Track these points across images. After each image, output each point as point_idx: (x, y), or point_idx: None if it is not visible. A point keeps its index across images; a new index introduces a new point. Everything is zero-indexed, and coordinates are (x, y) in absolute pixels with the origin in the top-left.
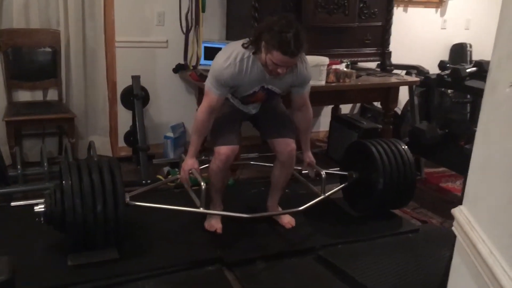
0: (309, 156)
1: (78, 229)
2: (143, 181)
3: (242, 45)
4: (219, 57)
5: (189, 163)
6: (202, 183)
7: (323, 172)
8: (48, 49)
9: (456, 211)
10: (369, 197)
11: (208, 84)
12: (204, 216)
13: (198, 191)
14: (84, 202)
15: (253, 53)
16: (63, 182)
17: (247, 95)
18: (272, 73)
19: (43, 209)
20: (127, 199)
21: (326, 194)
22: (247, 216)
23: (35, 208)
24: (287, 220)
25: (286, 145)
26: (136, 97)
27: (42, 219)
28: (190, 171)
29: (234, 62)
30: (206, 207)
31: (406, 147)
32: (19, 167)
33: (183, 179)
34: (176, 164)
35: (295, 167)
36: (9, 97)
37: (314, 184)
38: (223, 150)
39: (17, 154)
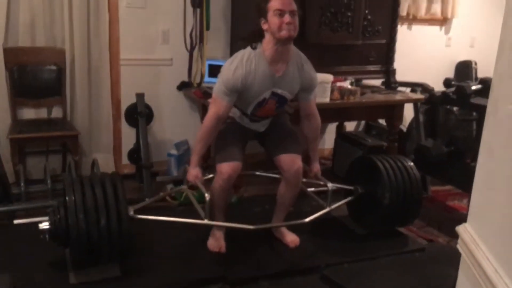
0: (316, 167)
1: (82, 244)
2: (146, 199)
3: (250, 46)
4: (226, 63)
5: (193, 173)
6: (206, 195)
7: (329, 184)
8: (53, 67)
9: (460, 229)
10: (374, 212)
11: (216, 91)
12: (208, 234)
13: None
14: (88, 217)
15: (260, 42)
16: (66, 198)
17: (257, 106)
18: (282, 33)
19: (47, 226)
20: (131, 212)
21: (332, 207)
22: (251, 228)
23: (39, 225)
24: (291, 239)
25: (292, 163)
26: (140, 114)
27: (47, 236)
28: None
29: (241, 63)
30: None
31: (412, 163)
32: (22, 184)
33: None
34: (179, 182)
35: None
36: (14, 114)
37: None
38: (225, 168)
39: (21, 171)
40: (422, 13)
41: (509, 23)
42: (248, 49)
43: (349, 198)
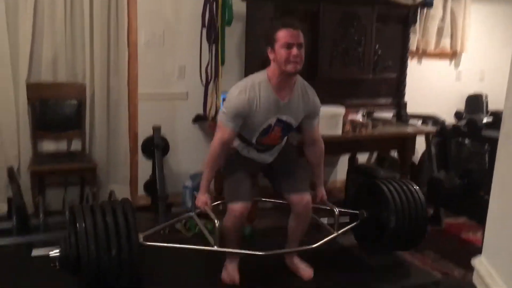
0: (321, 191)
1: (93, 272)
2: (161, 231)
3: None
4: (231, 90)
5: (203, 200)
6: (216, 221)
7: (336, 209)
8: (74, 101)
9: (476, 262)
10: (381, 235)
11: (221, 116)
12: (220, 264)
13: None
14: (98, 244)
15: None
16: (77, 225)
17: (263, 133)
18: (289, 68)
19: (58, 254)
20: (141, 239)
21: (339, 232)
22: (262, 254)
23: (50, 253)
24: (305, 272)
25: (301, 198)
26: (156, 147)
27: (57, 264)
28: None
29: (245, 89)
30: (223, 255)
31: (417, 187)
32: (41, 215)
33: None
34: None
35: None
36: (35, 147)
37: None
38: (236, 207)
39: (40, 203)
40: (431, 47)
41: None
42: (253, 76)
43: (355, 223)
